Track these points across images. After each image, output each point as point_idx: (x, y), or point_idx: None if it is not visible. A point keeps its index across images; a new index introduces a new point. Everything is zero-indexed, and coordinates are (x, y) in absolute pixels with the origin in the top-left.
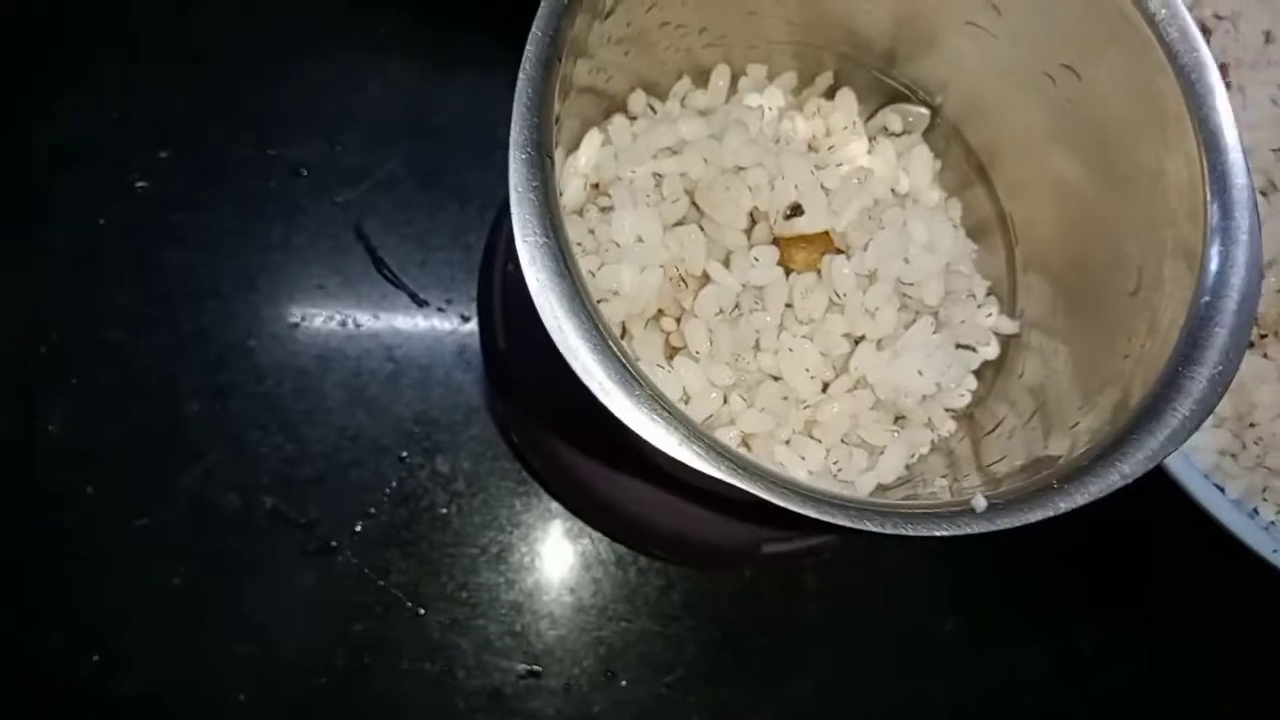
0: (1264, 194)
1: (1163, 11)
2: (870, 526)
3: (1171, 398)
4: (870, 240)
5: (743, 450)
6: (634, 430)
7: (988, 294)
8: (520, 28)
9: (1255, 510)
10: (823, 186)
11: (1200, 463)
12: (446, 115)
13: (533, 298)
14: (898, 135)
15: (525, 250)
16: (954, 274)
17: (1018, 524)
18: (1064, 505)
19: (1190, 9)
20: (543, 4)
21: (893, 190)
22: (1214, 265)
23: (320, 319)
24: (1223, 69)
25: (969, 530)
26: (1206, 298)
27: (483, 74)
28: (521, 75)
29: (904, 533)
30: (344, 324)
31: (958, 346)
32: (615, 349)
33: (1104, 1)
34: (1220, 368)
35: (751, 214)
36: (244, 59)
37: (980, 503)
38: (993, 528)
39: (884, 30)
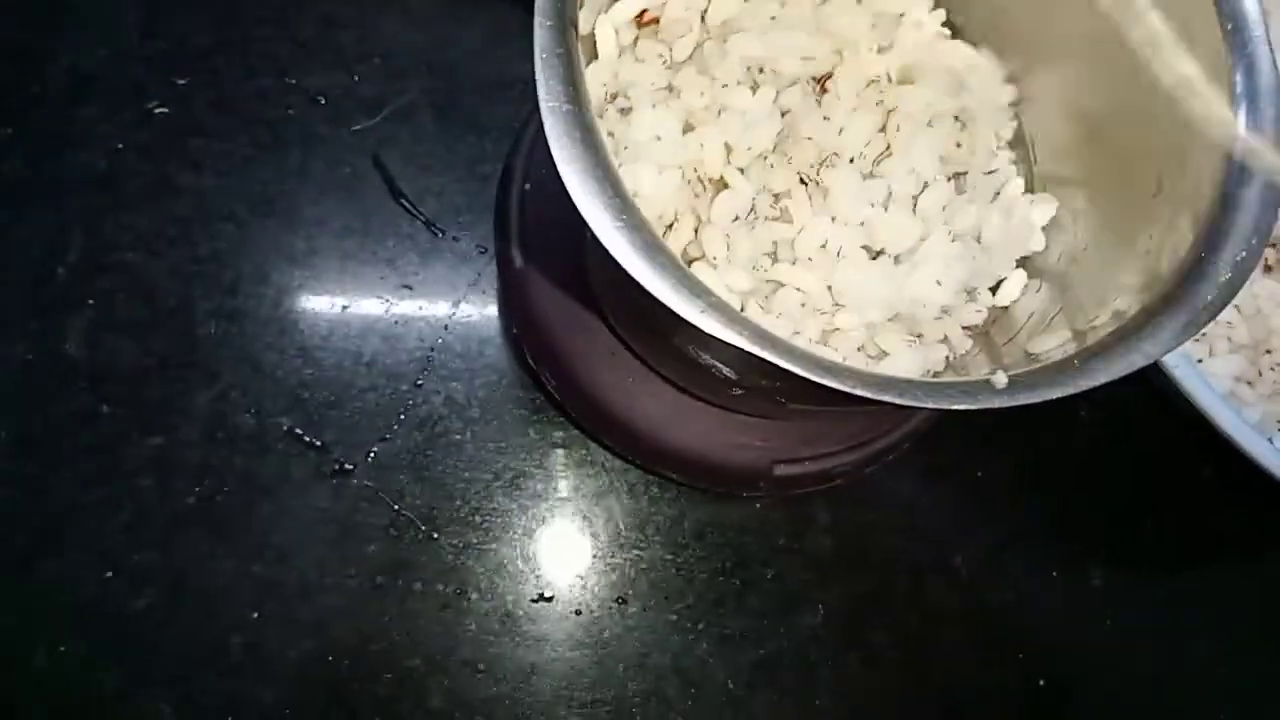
0: None
1: None
2: (889, 398)
3: (1195, 281)
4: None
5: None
6: (656, 297)
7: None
8: None
9: (1271, 439)
10: None
11: (1217, 388)
12: (464, 48)
13: (556, 165)
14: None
15: (550, 117)
16: (978, 186)
17: (1037, 400)
18: (1084, 383)
19: None
20: None
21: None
22: (1238, 152)
23: (336, 246)
24: None
25: (988, 404)
26: (1230, 187)
27: (501, 7)
28: None
29: (923, 405)
30: (360, 251)
31: (977, 261)
32: (637, 214)
33: None
34: (1244, 253)
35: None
36: None
37: (1001, 379)
38: (1012, 402)
39: None
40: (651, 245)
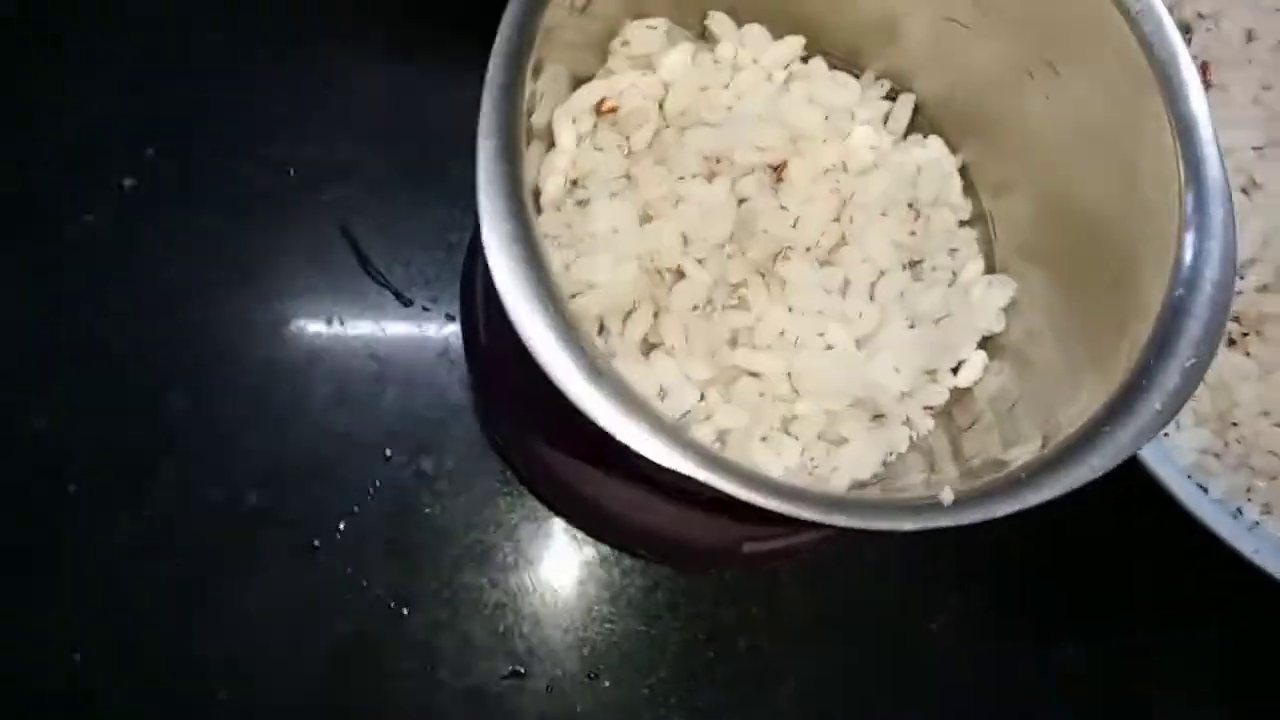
0: (1245, 191)
1: (1138, 6)
2: (838, 521)
3: (1144, 390)
4: (847, 239)
5: (716, 445)
6: (598, 422)
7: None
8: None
9: (1239, 510)
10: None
11: (1182, 462)
12: (433, 116)
13: (497, 287)
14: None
15: (491, 239)
16: (936, 270)
17: (984, 518)
18: (1032, 499)
19: (1171, 9)
20: (506, 12)
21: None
22: (1188, 257)
23: (306, 317)
24: (1204, 68)
25: (936, 524)
26: (1180, 290)
27: (469, 75)
28: (491, 65)
29: (870, 526)
30: (329, 322)
31: (935, 345)
32: (580, 340)
33: None
34: (1193, 360)
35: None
36: (231, 58)
37: (947, 495)
38: (959, 522)
39: (859, 23)
40: (591, 370)
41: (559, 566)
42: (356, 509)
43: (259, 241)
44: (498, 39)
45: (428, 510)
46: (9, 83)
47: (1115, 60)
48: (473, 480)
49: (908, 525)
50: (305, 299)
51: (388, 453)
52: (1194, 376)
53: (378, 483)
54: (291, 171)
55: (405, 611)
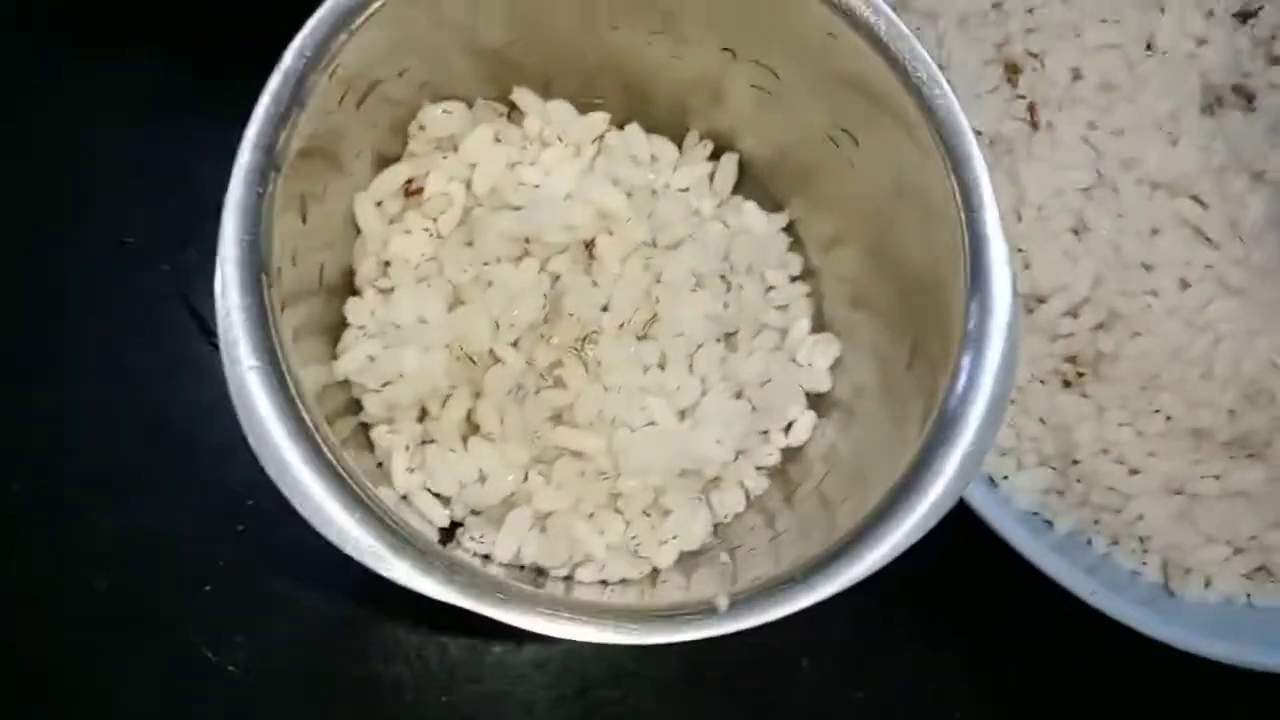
0: (1075, 232)
1: (934, 92)
2: (606, 637)
3: (926, 478)
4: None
5: (534, 532)
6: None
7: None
8: None
9: (1089, 541)
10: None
11: (1025, 502)
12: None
13: (243, 427)
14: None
15: (233, 378)
16: (763, 332)
17: (760, 622)
18: (805, 600)
19: (1000, 46)
20: (255, 111)
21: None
22: (964, 374)
23: (148, 392)
24: (1031, 108)
25: (715, 632)
26: (954, 401)
27: None
28: (231, 189)
29: (642, 641)
30: (172, 399)
31: (757, 410)
32: (339, 473)
33: (867, 68)
34: (964, 468)
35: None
36: (62, 122)
37: (723, 602)
38: (738, 626)
39: (679, 86)
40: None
41: (422, 633)
42: (207, 586)
43: (96, 313)
44: (243, 141)
45: (284, 588)
46: None
47: (905, 140)
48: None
49: (686, 635)
50: (148, 373)
51: (240, 527)
52: (962, 481)
53: (229, 557)
54: (130, 240)
55: (265, 689)
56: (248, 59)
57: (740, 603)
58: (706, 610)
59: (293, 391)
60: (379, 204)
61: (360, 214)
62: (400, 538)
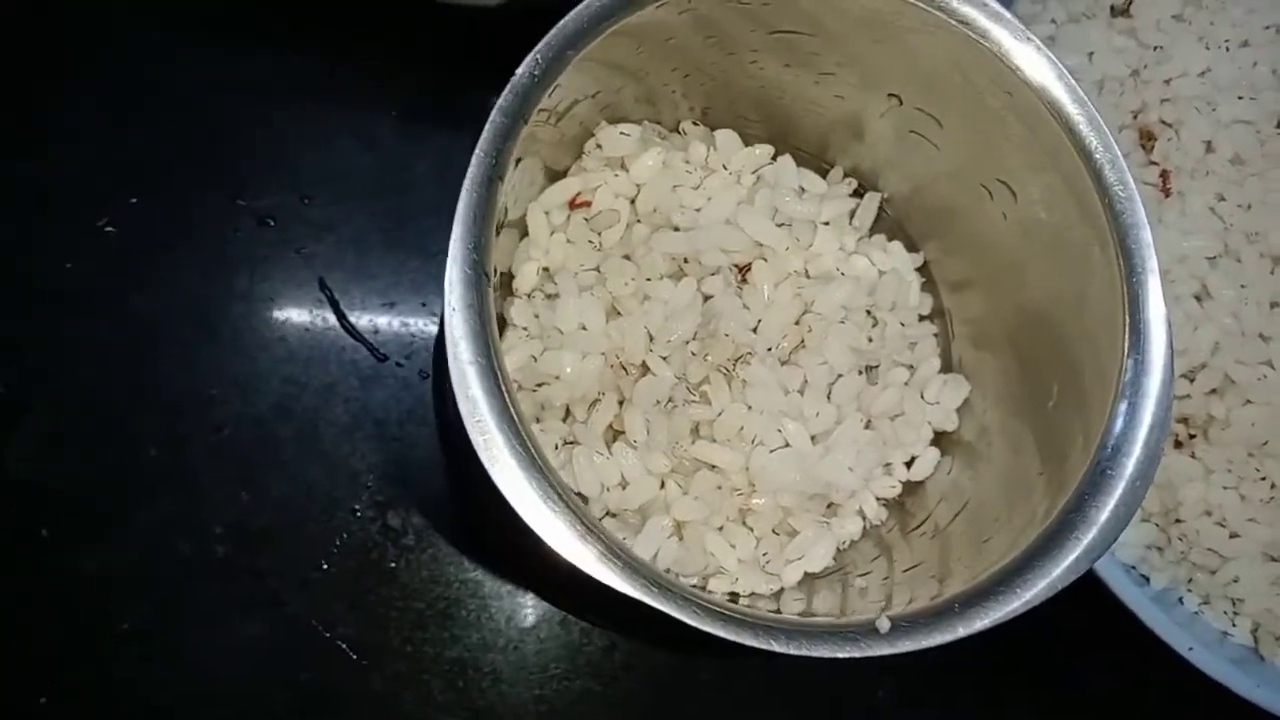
0: (1198, 299)
1: (1105, 156)
2: (774, 646)
3: (1076, 525)
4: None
5: (672, 540)
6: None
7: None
8: (494, 85)
9: (1180, 599)
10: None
11: (1126, 556)
12: (415, 173)
13: (463, 420)
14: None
15: (456, 369)
16: (895, 368)
17: (917, 648)
18: (963, 630)
19: (1136, 114)
20: (488, 124)
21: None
22: (1119, 424)
23: (280, 368)
24: (1164, 175)
25: (872, 653)
26: (1108, 451)
27: (455, 129)
28: (463, 196)
29: (806, 653)
30: (303, 374)
31: (885, 443)
32: (543, 474)
33: (1042, 128)
34: (1122, 508)
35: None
36: (216, 107)
37: (884, 624)
38: (893, 650)
39: (829, 123)
40: (552, 501)
41: (519, 625)
42: (323, 563)
43: (237, 291)
44: (472, 165)
45: (393, 565)
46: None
47: (1071, 198)
48: (437, 538)
49: (845, 653)
50: (279, 351)
51: (355, 507)
52: (1122, 521)
53: (344, 536)
54: (272, 222)
55: (366, 664)
56: (393, 52)
57: (901, 627)
58: (870, 629)
59: (503, 386)
60: (546, 213)
61: (532, 221)
62: (587, 525)
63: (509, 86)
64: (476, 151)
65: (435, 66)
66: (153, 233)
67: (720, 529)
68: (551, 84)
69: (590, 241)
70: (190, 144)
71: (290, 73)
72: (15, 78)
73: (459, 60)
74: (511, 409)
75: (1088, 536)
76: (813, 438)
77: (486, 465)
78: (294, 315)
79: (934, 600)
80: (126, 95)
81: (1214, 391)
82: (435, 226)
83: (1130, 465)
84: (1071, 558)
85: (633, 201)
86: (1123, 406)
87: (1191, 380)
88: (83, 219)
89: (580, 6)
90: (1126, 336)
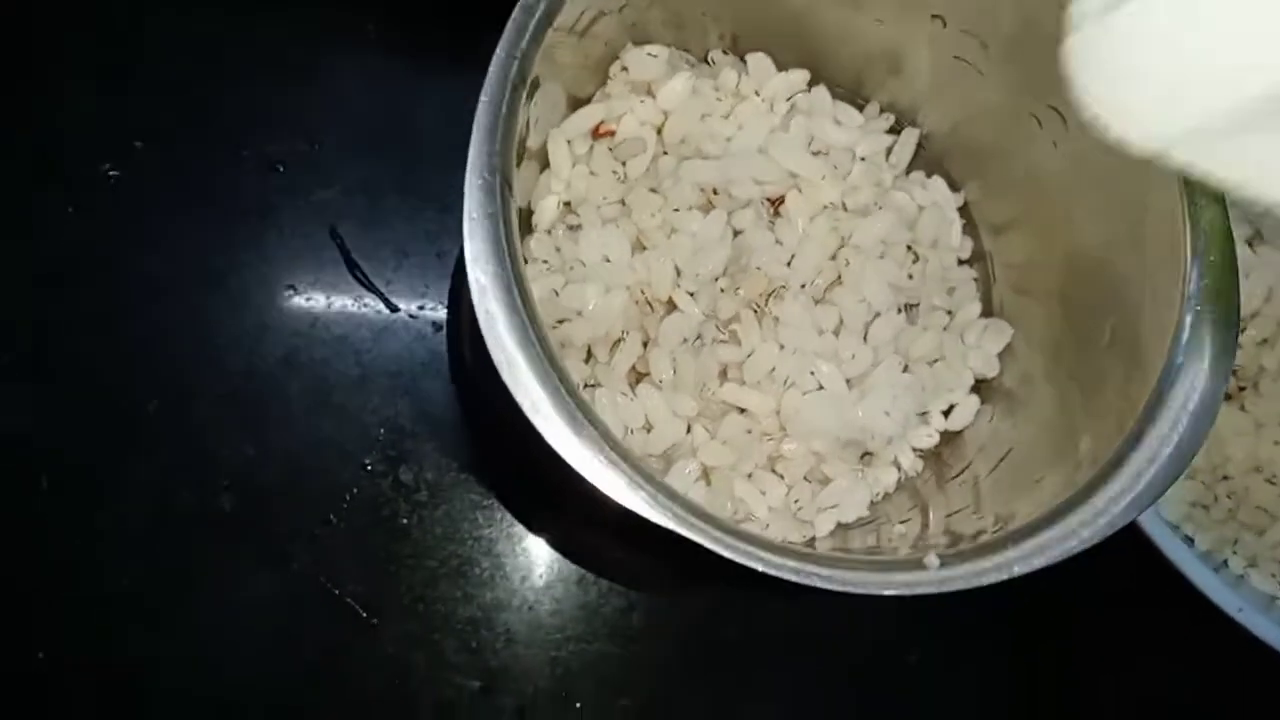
0: (1249, 244)
1: None
2: (817, 582)
3: (1135, 462)
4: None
5: (700, 485)
6: (580, 473)
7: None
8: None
9: (1225, 562)
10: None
11: (1170, 514)
12: (428, 120)
13: (482, 330)
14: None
15: (476, 281)
16: (934, 310)
17: (970, 586)
18: (1019, 569)
19: None
20: (509, 23)
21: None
22: (1185, 333)
23: (289, 320)
24: None
25: (919, 591)
26: (1180, 359)
27: (466, 80)
28: (482, 99)
29: (851, 590)
30: (313, 326)
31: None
32: (565, 389)
33: None
34: (1189, 434)
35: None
36: (224, 54)
37: (933, 560)
38: (943, 589)
39: (866, 55)
40: (575, 420)
41: (534, 584)
42: (332, 518)
43: (245, 239)
44: (493, 65)
45: (404, 521)
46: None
47: None
48: (451, 493)
49: (892, 590)
50: (289, 301)
51: (366, 462)
52: (1187, 451)
53: (355, 491)
54: (281, 168)
55: (376, 622)
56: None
57: (951, 563)
58: (917, 565)
59: (519, 303)
60: (569, 142)
61: (553, 151)
62: (614, 447)
63: None
64: (496, 53)
65: (445, 10)
66: (158, 178)
67: (749, 475)
68: None
69: (614, 173)
70: (193, 90)
71: (298, 17)
72: (19, 27)
73: (469, 7)
74: (533, 328)
75: (1150, 471)
76: (848, 381)
77: (508, 384)
78: (303, 264)
79: (978, 536)
80: (133, 39)
81: (1265, 342)
82: (449, 174)
83: (1195, 398)
84: (1133, 494)
85: (659, 131)
86: (1184, 337)
87: (1243, 330)
88: (88, 166)
89: None
90: (1186, 281)
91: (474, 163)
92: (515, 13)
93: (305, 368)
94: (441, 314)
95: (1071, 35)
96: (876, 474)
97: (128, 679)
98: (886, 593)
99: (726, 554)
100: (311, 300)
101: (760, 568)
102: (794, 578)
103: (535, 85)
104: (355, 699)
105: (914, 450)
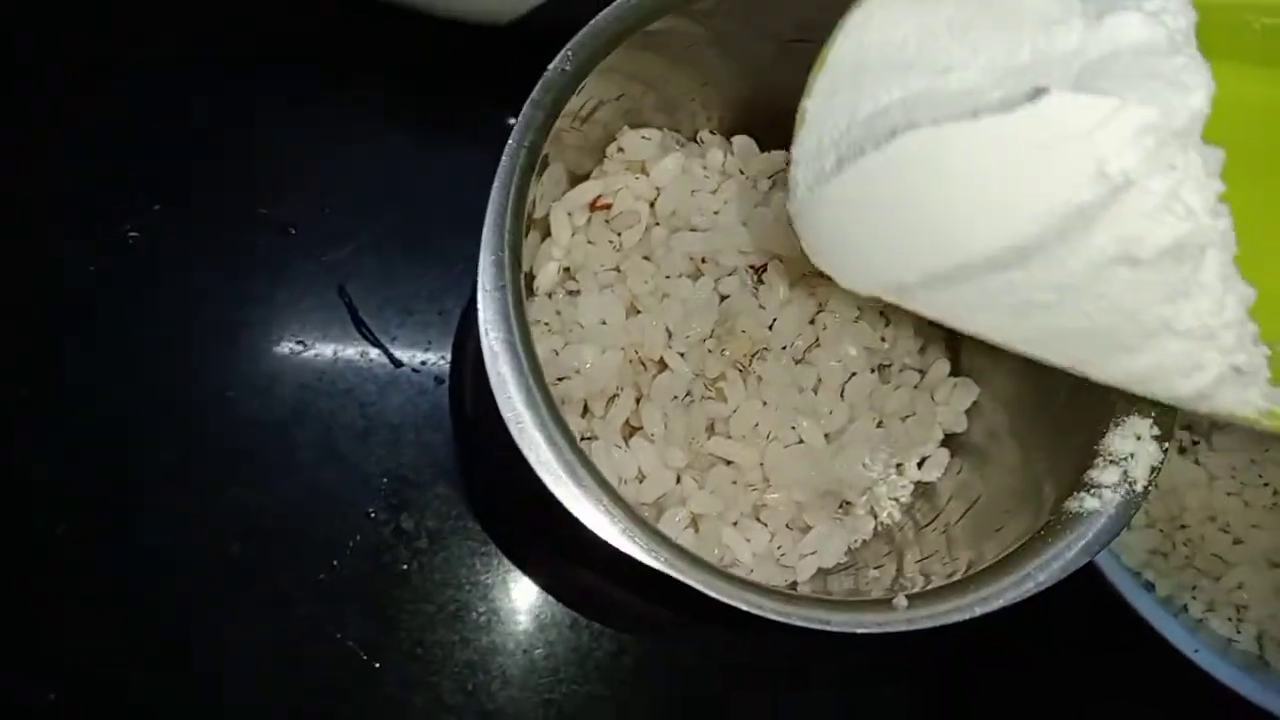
0: None
1: None
2: (797, 621)
3: (1089, 509)
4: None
5: (689, 532)
6: (580, 519)
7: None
8: (506, 100)
9: (1185, 606)
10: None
11: (1130, 561)
12: (433, 182)
13: (493, 391)
14: None
15: (489, 348)
16: (905, 370)
17: (935, 624)
18: (979, 609)
19: None
20: (520, 117)
21: None
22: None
23: (297, 373)
24: None
25: (889, 629)
26: (1128, 414)
27: (470, 143)
28: (496, 183)
29: (828, 629)
30: (320, 379)
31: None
32: (567, 445)
33: None
34: (1139, 484)
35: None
36: (239, 118)
37: (901, 601)
38: (911, 628)
39: None
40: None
41: (530, 629)
42: (335, 564)
43: (257, 297)
44: (505, 154)
45: (404, 567)
46: (22, 128)
47: None
48: (450, 540)
49: (865, 629)
50: (298, 356)
51: (369, 510)
52: (1139, 497)
53: (357, 538)
54: (293, 231)
55: (377, 666)
56: (409, 68)
57: (918, 604)
58: (887, 606)
59: (526, 366)
60: (569, 214)
61: (555, 222)
62: (612, 497)
63: (541, 81)
64: (509, 143)
65: (449, 83)
66: (175, 239)
67: (735, 523)
68: (581, 79)
69: (610, 242)
70: (209, 153)
71: (311, 86)
72: (43, 85)
73: (471, 77)
74: (539, 389)
75: (1099, 521)
76: (826, 435)
77: (516, 440)
78: (312, 321)
79: (950, 579)
80: (152, 105)
81: None
82: (453, 235)
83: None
84: (1084, 540)
85: (652, 204)
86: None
87: None
88: (108, 226)
89: (609, 9)
90: None
91: (488, 241)
92: (526, 107)
93: (312, 419)
94: (443, 368)
95: (791, 199)
96: (854, 522)
97: (134, 718)
98: (859, 630)
99: (715, 595)
100: (319, 355)
101: (745, 608)
102: (777, 618)
103: (544, 165)
104: None
105: (890, 500)
